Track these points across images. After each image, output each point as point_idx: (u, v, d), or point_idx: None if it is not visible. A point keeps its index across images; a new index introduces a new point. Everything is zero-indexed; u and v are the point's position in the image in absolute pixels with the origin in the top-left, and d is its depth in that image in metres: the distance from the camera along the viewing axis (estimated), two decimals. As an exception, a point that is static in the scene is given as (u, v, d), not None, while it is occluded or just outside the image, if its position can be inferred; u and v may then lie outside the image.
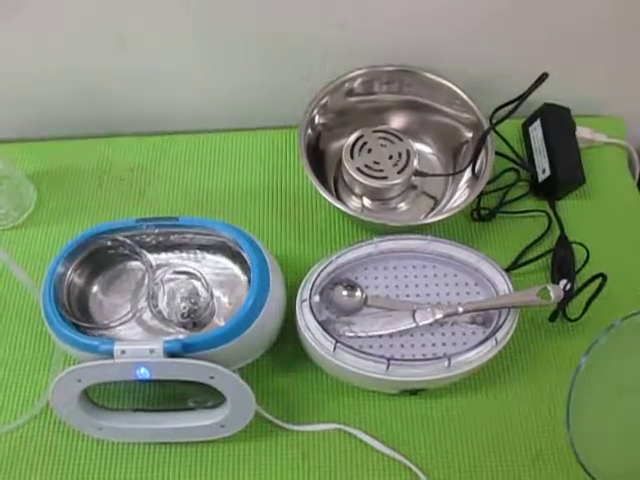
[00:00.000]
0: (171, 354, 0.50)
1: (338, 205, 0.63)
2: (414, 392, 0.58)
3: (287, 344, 0.63)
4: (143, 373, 0.50)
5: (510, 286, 0.57)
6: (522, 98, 0.63)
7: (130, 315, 0.54)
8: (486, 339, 0.54)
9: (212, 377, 0.51)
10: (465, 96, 0.69)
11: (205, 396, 0.56)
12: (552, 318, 0.64)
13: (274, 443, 0.59)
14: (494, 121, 0.66)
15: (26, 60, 0.71)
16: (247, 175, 0.75)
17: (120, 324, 0.55)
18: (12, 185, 0.70)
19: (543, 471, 0.59)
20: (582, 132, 0.75)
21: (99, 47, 0.70)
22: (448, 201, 0.70)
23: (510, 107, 0.64)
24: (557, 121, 0.73)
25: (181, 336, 0.54)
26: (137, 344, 0.50)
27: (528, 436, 0.60)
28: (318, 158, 0.73)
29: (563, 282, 0.65)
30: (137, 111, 0.78)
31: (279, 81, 0.75)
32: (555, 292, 0.54)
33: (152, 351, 0.49)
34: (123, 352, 0.50)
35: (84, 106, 0.77)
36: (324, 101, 0.70)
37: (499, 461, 0.59)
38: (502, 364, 0.63)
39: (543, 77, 0.62)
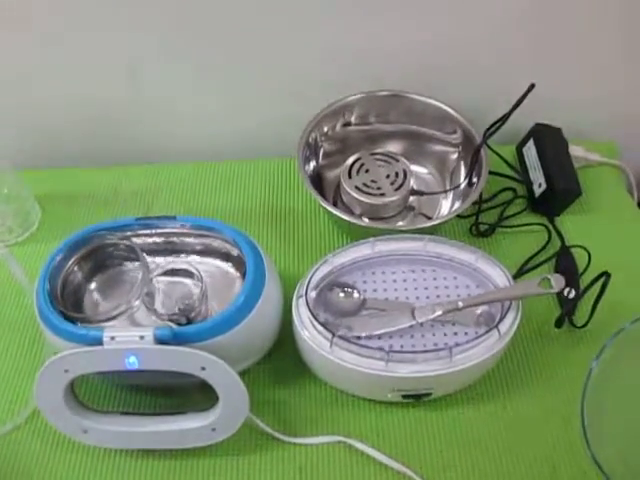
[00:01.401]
0: (161, 342, 0.48)
1: (336, 212, 0.63)
2: (417, 397, 0.55)
3: (284, 355, 0.61)
4: (132, 362, 0.49)
5: (511, 281, 0.56)
6: (513, 108, 0.65)
7: (123, 308, 0.53)
8: (489, 331, 0.52)
9: (203, 368, 0.49)
10: (455, 113, 0.71)
11: (196, 399, 0.53)
12: (558, 324, 0.62)
13: (270, 457, 0.56)
14: (488, 135, 0.68)
15: (39, 90, 0.75)
16: (248, 198, 0.76)
17: (111, 318, 0.53)
18: (19, 203, 0.71)
19: (561, 487, 0.54)
20: (575, 150, 0.76)
21: (111, 78, 0.74)
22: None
23: (503, 119, 0.66)
24: (550, 139, 0.75)
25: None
26: (127, 331, 0.49)
27: (543, 449, 0.56)
28: (317, 185, 0.74)
29: (567, 290, 0.64)
30: (145, 142, 0.81)
31: (281, 113, 0.78)
32: (556, 281, 0.53)
33: (142, 338, 0.48)
34: (112, 338, 0.48)
35: (94, 137, 0.80)
36: (321, 122, 0.73)
37: (512, 476, 0.55)
38: (510, 373, 0.61)
39: (531, 87, 0.64)
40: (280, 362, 0.61)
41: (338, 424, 0.57)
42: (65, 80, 0.74)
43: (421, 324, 0.55)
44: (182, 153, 0.81)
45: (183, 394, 0.58)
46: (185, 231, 0.57)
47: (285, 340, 0.60)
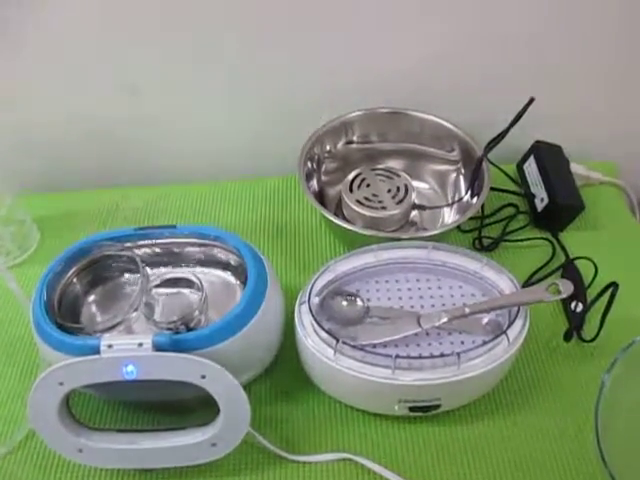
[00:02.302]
0: (160, 349, 0.47)
1: (338, 222, 0.63)
2: (425, 410, 0.53)
3: (286, 369, 0.59)
4: (130, 372, 0.47)
5: (519, 288, 0.55)
6: (514, 121, 0.66)
7: (120, 318, 0.52)
8: (497, 337, 0.51)
9: (203, 376, 0.47)
10: (455, 128, 0.72)
11: (196, 416, 0.51)
12: (567, 338, 0.61)
13: (273, 475, 0.53)
14: (488, 148, 0.68)
15: (38, 110, 0.75)
16: (250, 216, 0.75)
17: (108, 329, 0.52)
18: (17, 226, 0.71)
19: (577, 505, 0.52)
20: (577, 168, 0.76)
21: (111, 98, 0.74)
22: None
23: (503, 133, 0.66)
24: (550, 156, 0.75)
25: (173, 336, 0.51)
26: (125, 338, 0.47)
27: (556, 466, 0.54)
28: (318, 202, 0.73)
29: (574, 303, 0.63)
30: (144, 162, 0.82)
31: (283, 132, 0.79)
32: (565, 287, 0.51)
33: (140, 345, 0.47)
34: (110, 347, 0.47)
35: (94, 158, 0.80)
36: (322, 138, 0.73)
37: (525, 494, 0.52)
38: (520, 388, 0.59)
39: (531, 101, 0.65)
40: (282, 376, 0.59)
41: (344, 440, 0.55)
42: (64, 101, 0.74)
43: (427, 332, 0.53)
44: (182, 173, 0.81)
45: (182, 411, 0.56)
46: (186, 240, 0.56)
47: (287, 354, 0.59)
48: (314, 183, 0.74)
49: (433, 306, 0.56)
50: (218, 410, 0.49)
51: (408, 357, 0.51)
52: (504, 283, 0.56)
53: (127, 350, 0.47)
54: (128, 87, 0.73)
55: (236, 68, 0.73)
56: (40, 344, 0.51)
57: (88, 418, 0.56)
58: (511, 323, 0.51)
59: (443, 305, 0.56)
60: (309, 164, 0.72)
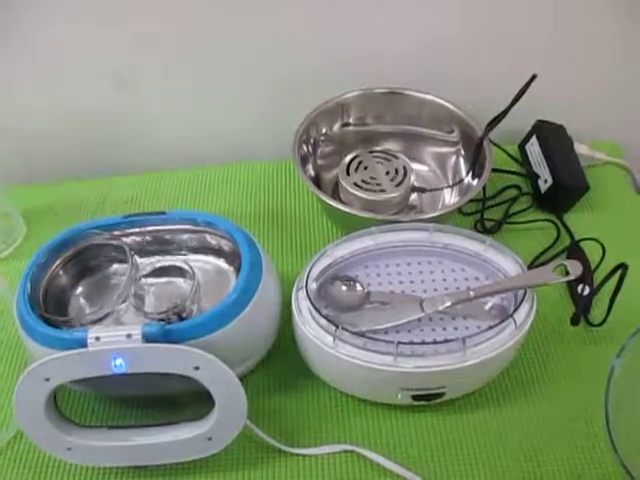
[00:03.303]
0: (150, 340, 0.45)
1: (335, 204, 0.60)
2: (429, 398, 0.51)
3: (283, 358, 0.57)
4: (119, 365, 0.45)
5: (525, 270, 0.52)
6: (516, 99, 0.63)
7: (108, 310, 0.49)
8: (504, 321, 0.48)
9: (197, 367, 0.45)
10: (454, 108, 0.69)
11: (190, 411, 0.49)
12: (574, 322, 0.59)
13: (272, 469, 0.51)
14: (489, 127, 0.65)
15: (22, 101, 0.73)
16: (244, 201, 0.73)
17: (95, 322, 0.50)
18: (2, 219, 0.69)
19: (589, 496, 0.50)
20: (580, 148, 0.74)
21: (98, 86, 0.72)
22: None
23: (505, 112, 0.64)
24: (553, 135, 0.73)
25: (164, 326, 0.49)
26: (113, 330, 0.45)
27: (565, 454, 0.52)
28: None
29: (580, 287, 0.61)
30: (133, 150, 0.79)
31: (277, 117, 0.76)
32: (573, 267, 0.49)
33: (129, 336, 0.44)
34: (97, 339, 0.44)
35: (79, 148, 0.78)
36: (318, 121, 0.70)
37: (536, 484, 0.50)
38: (526, 374, 0.57)
39: (533, 78, 0.62)
40: (280, 366, 0.57)
41: (345, 432, 0.53)
42: (46, 89, 0.72)
43: (430, 317, 0.51)
44: (170, 159, 0.78)
45: (175, 405, 0.53)
46: (176, 227, 0.54)
47: (284, 343, 0.57)
48: (310, 167, 0.72)
49: (435, 290, 0.54)
50: (213, 403, 0.46)
51: (411, 343, 0.49)
52: (509, 265, 0.54)
53: (115, 342, 0.44)
54: (110, 73, 0.70)
55: (226, 50, 0.70)
56: (25, 339, 0.49)
57: (77, 415, 0.54)
58: (518, 307, 0.49)
59: (446, 289, 0.54)
60: (304, 147, 0.70)
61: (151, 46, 0.69)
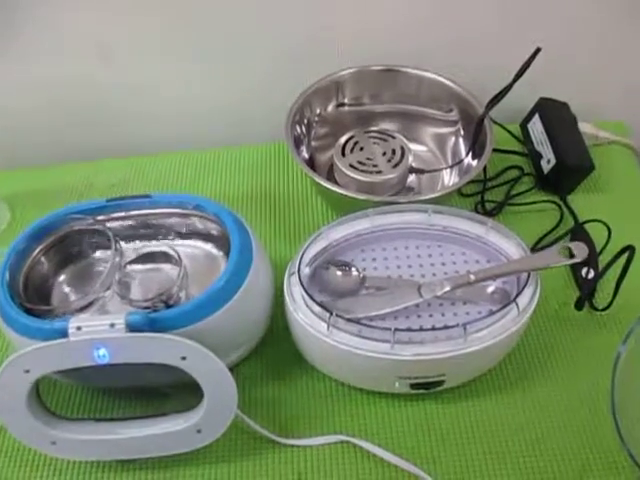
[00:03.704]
0: (135, 330, 0.42)
1: (329, 186, 0.58)
2: (428, 387, 0.49)
3: (276, 346, 0.55)
4: (102, 356, 0.43)
5: (528, 253, 0.50)
6: (518, 75, 0.60)
7: (91, 298, 0.47)
8: (506, 305, 0.46)
9: (184, 357, 0.43)
10: (453, 85, 0.67)
11: (178, 402, 0.47)
12: (578, 306, 0.57)
13: (265, 461, 0.49)
14: (491, 105, 0.63)
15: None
16: (235, 185, 0.71)
17: (78, 310, 0.47)
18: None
19: (594, 487, 0.48)
20: (585, 127, 0.71)
21: (82, 61, 0.69)
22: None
23: (506, 88, 0.61)
24: (556, 113, 0.70)
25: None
26: (95, 319, 0.43)
27: (569, 443, 0.50)
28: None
29: (585, 270, 0.59)
30: (121, 130, 0.76)
31: (269, 96, 0.73)
32: (579, 250, 0.47)
33: (113, 326, 0.42)
34: (79, 329, 0.42)
35: (62, 128, 0.75)
36: (312, 100, 0.68)
37: (536, 475, 0.48)
38: (528, 360, 0.55)
39: (537, 51, 0.59)
40: (272, 355, 0.55)
41: (340, 422, 0.51)
42: (27, 64, 0.68)
43: (428, 303, 0.49)
44: (159, 142, 0.76)
45: (162, 396, 0.51)
46: (162, 211, 0.52)
47: (277, 330, 0.55)
48: (303, 149, 0.69)
49: (434, 274, 0.52)
50: (202, 394, 0.44)
51: (408, 330, 0.47)
52: (511, 248, 0.51)
53: (98, 332, 0.42)
54: (97, 48, 0.67)
55: (215, 26, 0.67)
56: (5, 329, 0.46)
57: (61, 407, 0.52)
58: (521, 291, 0.47)
59: (445, 273, 0.52)
60: (297, 128, 0.67)
61: (137, 20, 0.66)
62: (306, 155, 0.69)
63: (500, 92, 0.62)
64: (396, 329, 0.44)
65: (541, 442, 0.50)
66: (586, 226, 0.63)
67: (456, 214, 0.53)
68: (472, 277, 0.48)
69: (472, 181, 0.61)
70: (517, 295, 0.47)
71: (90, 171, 0.73)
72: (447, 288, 0.48)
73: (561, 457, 0.49)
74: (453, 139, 0.70)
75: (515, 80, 0.61)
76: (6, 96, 0.71)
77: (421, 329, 0.47)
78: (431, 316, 0.49)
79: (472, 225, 0.52)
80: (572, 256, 0.48)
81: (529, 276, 0.48)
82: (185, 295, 0.49)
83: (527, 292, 0.47)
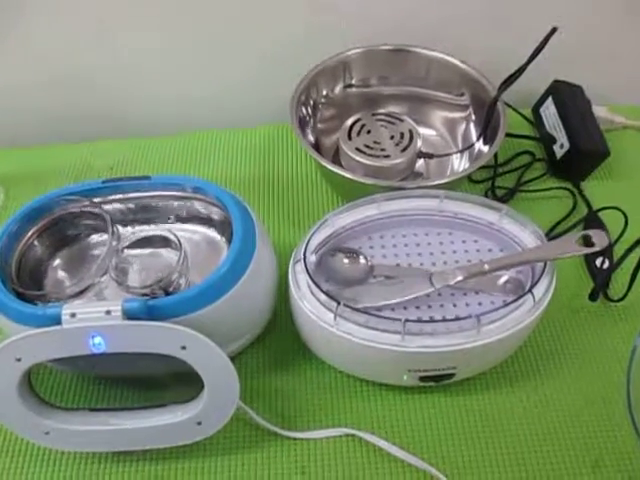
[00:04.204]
0: (132, 317, 0.40)
1: (336, 170, 0.56)
2: (437, 379, 0.47)
3: (280, 335, 0.54)
4: (98, 344, 0.40)
5: (545, 241, 0.48)
6: (533, 55, 0.58)
7: (86, 284, 0.45)
8: (522, 296, 0.44)
9: (183, 347, 0.41)
10: (464, 65, 0.64)
11: (179, 392, 0.45)
12: (592, 297, 0.55)
13: (267, 455, 0.47)
14: (504, 87, 0.60)
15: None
16: (237, 169, 0.68)
17: (73, 297, 0.45)
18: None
19: (607, 480, 0.46)
20: (599, 111, 0.69)
21: (79, 41, 0.66)
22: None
23: (521, 69, 0.58)
24: (570, 97, 0.67)
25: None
26: (90, 306, 0.40)
27: (582, 437, 0.48)
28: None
29: (599, 260, 0.57)
30: (120, 111, 0.74)
31: (273, 76, 0.71)
32: (598, 238, 0.45)
33: (109, 313, 0.40)
34: (73, 316, 0.40)
35: (60, 107, 0.72)
36: (319, 81, 0.65)
37: (548, 470, 0.47)
38: (540, 352, 0.53)
39: (553, 31, 0.57)
40: (275, 345, 0.53)
41: (345, 414, 0.49)
42: (24, 43, 0.66)
43: (439, 293, 0.47)
44: (160, 123, 0.73)
45: (161, 386, 0.50)
46: (161, 193, 0.49)
47: (281, 320, 0.54)
48: (309, 132, 0.67)
49: (445, 263, 0.50)
50: (202, 385, 0.42)
51: (419, 321, 0.45)
52: (526, 236, 0.49)
53: (93, 319, 0.40)
54: (98, 27, 0.65)
55: (219, 7, 0.65)
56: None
57: (55, 396, 0.50)
58: (537, 281, 0.45)
59: (456, 262, 0.50)
60: (303, 110, 0.65)
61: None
62: (311, 138, 0.67)
63: (514, 73, 0.59)
64: (407, 320, 0.42)
65: (553, 436, 0.48)
66: (600, 214, 0.61)
67: (469, 200, 0.50)
68: (486, 266, 0.46)
69: (482, 167, 0.59)
70: (533, 285, 0.45)
71: (88, 152, 0.70)
72: (460, 277, 0.46)
73: (574, 452, 0.48)
74: (463, 123, 0.67)
75: (530, 60, 0.58)
76: (4, 76, 0.68)
77: (432, 320, 0.45)
78: (442, 306, 0.47)
79: (485, 212, 0.50)
80: (590, 245, 0.46)
81: (545, 266, 0.46)
82: (185, 282, 0.47)
83: (543, 282, 0.45)
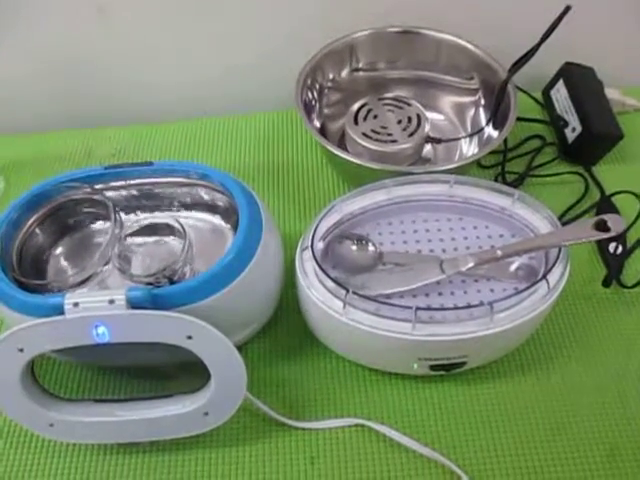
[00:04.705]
0: (136, 307, 0.39)
1: (343, 155, 0.54)
2: (448, 368, 0.46)
3: (287, 324, 0.53)
4: (102, 334, 0.40)
5: (559, 226, 0.47)
6: (545, 35, 0.56)
7: (88, 273, 0.44)
8: (536, 283, 0.43)
9: (189, 337, 0.40)
10: (474, 48, 0.63)
11: (185, 383, 0.44)
12: (605, 283, 0.53)
13: (275, 445, 0.47)
14: (514, 69, 0.58)
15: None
16: (242, 156, 0.67)
17: (75, 286, 0.44)
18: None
19: (622, 469, 0.45)
20: (611, 93, 0.67)
21: (78, 24, 0.65)
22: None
23: (532, 50, 0.57)
24: (582, 79, 0.66)
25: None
26: (94, 295, 0.39)
27: (596, 427, 0.47)
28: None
29: (613, 245, 0.55)
30: (122, 98, 0.72)
31: (278, 60, 0.69)
32: (614, 223, 0.43)
33: (112, 302, 0.39)
34: (76, 305, 0.39)
35: (61, 93, 0.71)
36: (325, 65, 0.64)
37: (562, 459, 0.46)
38: (553, 340, 0.52)
39: (567, 10, 0.55)
40: (282, 334, 0.52)
41: (355, 404, 0.48)
42: (23, 28, 0.64)
43: (450, 280, 0.46)
44: (162, 110, 0.72)
45: (167, 376, 0.49)
46: (165, 180, 0.48)
47: (288, 308, 0.53)
48: (314, 117, 0.65)
49: (456, 249, 0.49)
50: (209, 375, 0.42)
51: (429, 309, 0.43)
52: (538, 221, 0.48)
53: (96, 309, 0.39)
54: (99, 13, 0.63)
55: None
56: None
57: (59, 387, 0.49)
58: (552, 267, 0.44)
59: (467, 248, 0.49)
60: (309, 94, 0.63)
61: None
62: (317, 124, 0.66)
63: (525, 54, 0.58)
64: (417, 308, 0.41)
65: (567, 426, 0.47)
66: (613, 199, 0.60)
67: (480, 185, 0.49)
68: (499, 252, 0.45)
69: (491, 152, 0.57)
70: (547, 272, 0.44)
71: (89, 139, 0.69)
72: (471, 264, 0.45)
73: (588, 442, 0.47)
74: (473, 109, 0.66)
75: (543, 40, 0.56)
76: (6, 63, 0.67)
77: (444, 308, 0.44)
78: (452, 294, 0.46)
79: (496, 197, 0.49)
80: (605, 230, 0.44)
81: (560, 251, 0.44)
82: (190, 270, 0.46)
83: (558, 268, 0.44)
